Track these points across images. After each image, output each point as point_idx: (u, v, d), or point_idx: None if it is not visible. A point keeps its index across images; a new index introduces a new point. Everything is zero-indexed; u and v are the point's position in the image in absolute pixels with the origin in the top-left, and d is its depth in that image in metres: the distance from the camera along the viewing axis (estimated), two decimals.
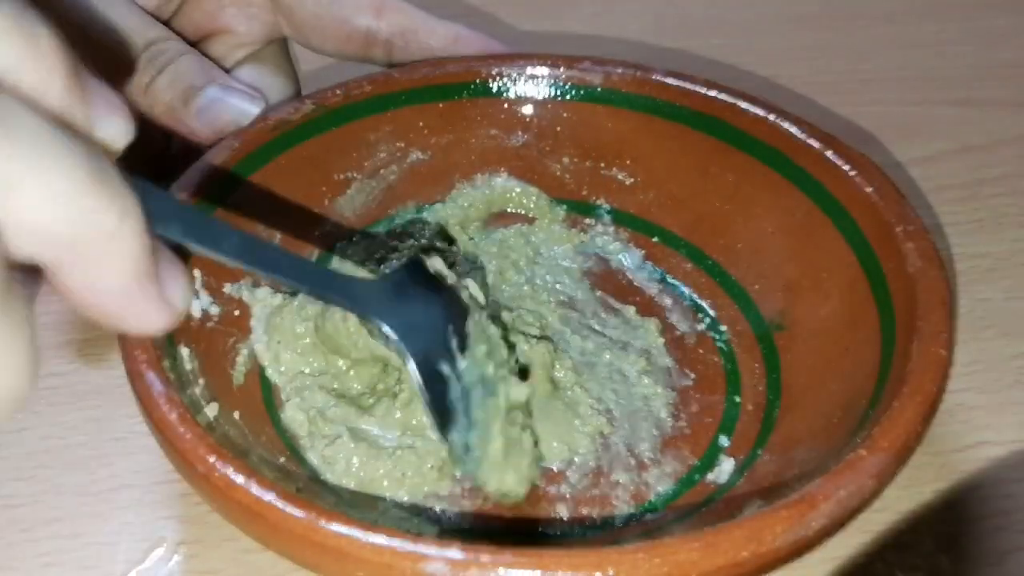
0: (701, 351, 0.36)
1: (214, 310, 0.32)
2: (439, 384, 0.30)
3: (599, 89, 0.39)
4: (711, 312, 0.37)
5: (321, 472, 0.31)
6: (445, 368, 0.30)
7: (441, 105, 0.39)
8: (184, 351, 0.30)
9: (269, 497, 0.23)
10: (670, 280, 0.39)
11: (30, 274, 0.19)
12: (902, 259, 0.31)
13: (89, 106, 0.20)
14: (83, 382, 0.36)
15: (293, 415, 0.32)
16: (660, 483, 0.32)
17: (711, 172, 0.38)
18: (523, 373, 0.33)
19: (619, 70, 0.39)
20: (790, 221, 0.36)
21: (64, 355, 0.37)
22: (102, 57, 0.35)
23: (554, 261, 0.40)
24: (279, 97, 0.40)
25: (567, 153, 0.41)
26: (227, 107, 0.36)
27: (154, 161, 0.39)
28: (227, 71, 0.39)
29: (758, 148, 0.36)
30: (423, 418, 0.31)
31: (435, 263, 0.33)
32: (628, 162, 0.40)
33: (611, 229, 0.40)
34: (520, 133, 0.40)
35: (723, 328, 0.37)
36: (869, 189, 0.33)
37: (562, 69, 0.40)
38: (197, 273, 0.32)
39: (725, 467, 0.32)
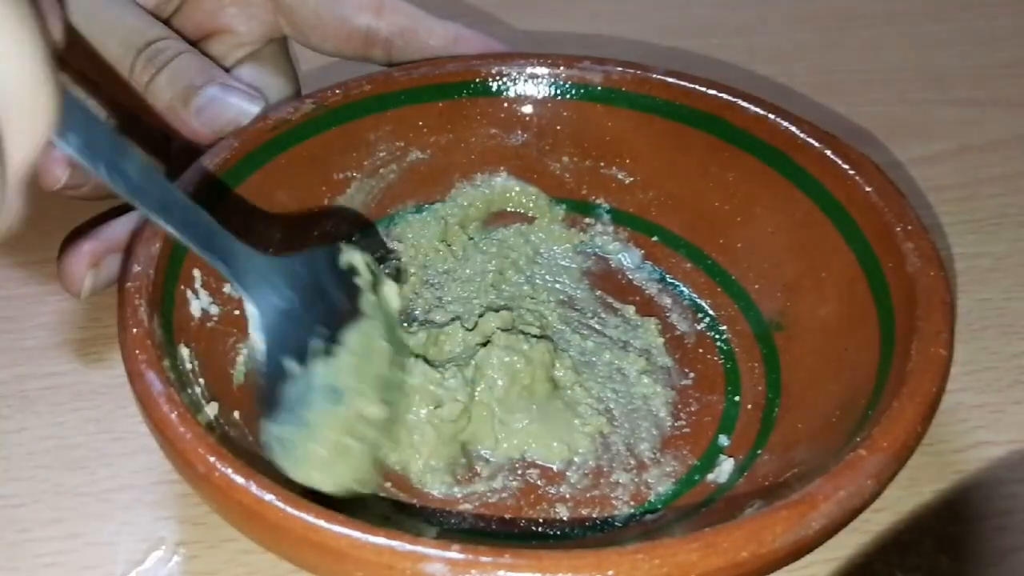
0: (701, 351, 0.36)
1: (214, 310, 0.32)
2: (279, 376, 0.29)
3: (599, 88, 0.39)
4: (711, 312, 0.37)
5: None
6: (291, 364, 0.29)
7: (441, 104, 0.39)
8: (184, 351, 0.30)
9: (269, 497, 0.23)
10: (670, 280, 0.39)
11: None
12: (902, 259, 0.31)
13: None
14: (83, 382, 0.36)
15: None
16: (660, 483, 0.32)
17: (711, 171, 0.38)
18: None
19: (619, 69, 0.39)
20: (790, 221, 0.36)
21: (64, 355, 0.37)
22: (102, 56, 0.35)
23: (554, 261, 0.40)
24: (279, 97, 0.40)
25: (567, 152, 0.41)
26: (227, 106, 0.36)
27: (154, 161, 0.39)
28: (227, 70, 0.39)
29: (758, 147, 0.36)
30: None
31: (354, 257, 0.32)
32: (628, 161, 0.40)
33: (611, 228, 0.40)
34: (520, 132, 0.40)
35: (723, 328, 0.37)
36: (869, 189, 0.33)
37: (562, 68, 0.40)
38: (197, 273, 0.32)
39: (725, 467, 0.32)
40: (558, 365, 0.34)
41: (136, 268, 0.29)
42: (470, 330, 0.35)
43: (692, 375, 0.35)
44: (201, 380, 0.30)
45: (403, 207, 0.40)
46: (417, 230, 0.40)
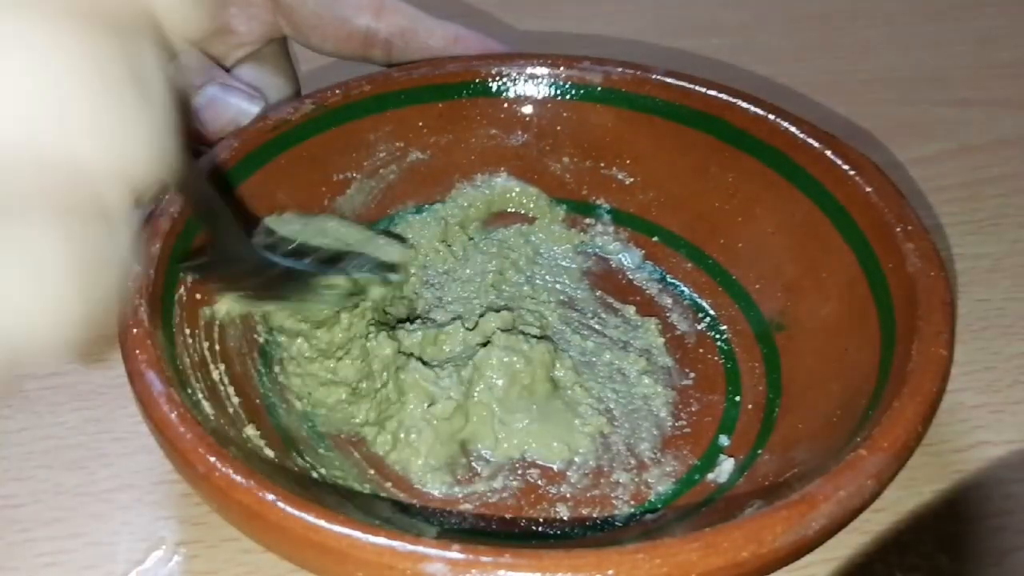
0: (701, 351, 0.36)
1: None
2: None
3: (599, 89, 0.39)
4: (711, 312, 0.37)
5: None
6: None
7: (441, 105, 0.39)
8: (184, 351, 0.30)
9: (269, 497, 0.23)
10: (670, 280, 0.39)
11: None
12: (902, 259, 0.31)
13: None
14: (83, 382, 0.36)
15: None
16: (660, 483, 0.32)
17: (711, 172, 0.38)
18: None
19: (619, 70, 0.39)
20: (790, 221, 0.36)
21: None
22: None
23: (554, 261, 0.40)
24: (279, 97, 0.40)
25: (567, 153, 0.41)
26: (227, 106, 0.36)
27: None
28: (227, 70, 0.39)
29: (758, 148, 0.36)
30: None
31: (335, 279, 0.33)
32: (628, 162, 0.40)
33: (611, 229, 0.40)
34: (520, 133, 0.40)
35: (723, 328, 0.37)
36: (869, 189, 0.33)
37: (562, 69, 0.40)
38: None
39: (725, 467, 0.32)
40: (558, 365, 0.34)
41: (136, 268, 0.29)
42: (470, 330, 0.35)
43: (692, 375, 0.35)
44: (201, 380, 0.30)
45: (403, 207, 0.40)
46: (417, 230, 0.40)
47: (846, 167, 0.34)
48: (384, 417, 0.33)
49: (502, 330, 0.34)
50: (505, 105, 0.40)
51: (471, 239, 0.40)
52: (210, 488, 0.24)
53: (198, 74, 0.36)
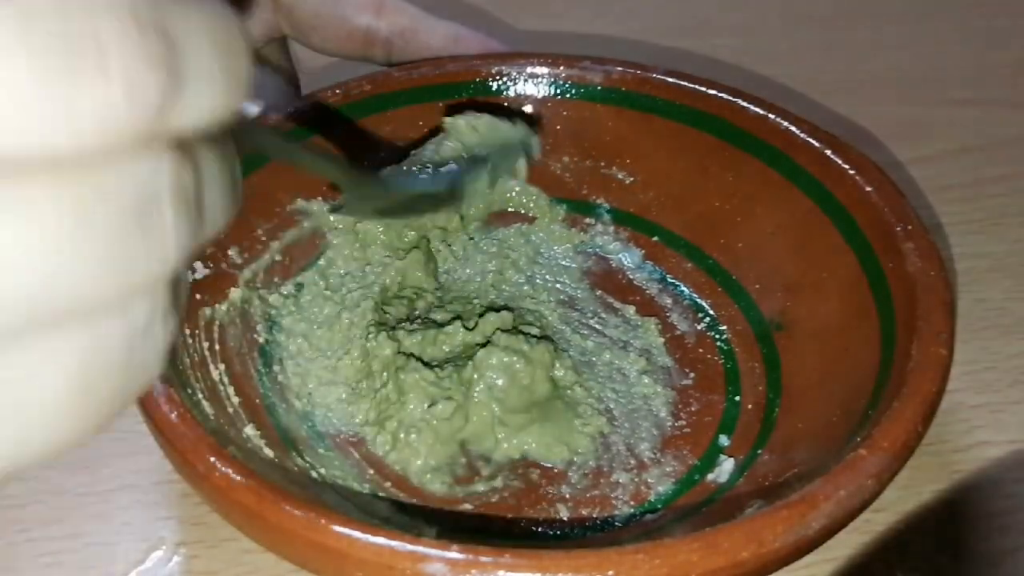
0: (701, 350, 0.36)
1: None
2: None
3: (599, 88, 0.39)
4: (711, 311, 0.37)
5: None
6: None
7: (441, 104, 0.39)
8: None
9: (269, 497, 0.23)
10: (670, 279, 0.39)
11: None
12: (902, 259, 0.31)
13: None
14: None
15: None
16: (660, 483, 0.32)
17: (711, 171, 0.38)
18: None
19: (619, 69, 0.39)
20: (790, 221, 0.36)
21: None
22: None
23: (554, 260, 0.40)
24: (279, 96, 0.40)
25: (567, 152, 0.41)
26: None
27: None
28: None
29: (758, 147, 0.36)
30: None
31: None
32: (628, 161, 0.40)
33: (611, 228, 0.40)
34: None
35: (723, 328, 0.37)
36: (869, 189, 0.33)
37: (562, 68, 0.40)
38: (199, 265, 0.32)
39: (725, 467, 0.32)
40: (558, 365, 0.34)
41: None
42: (470, 330, 0.35)
43: (692, 375, 0.35)
44: (201, 380, 0.30)
45: None
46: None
47: (846, 167, 0.34)
48: (384, 417, 0.33)
49: (502, 330, 0.34)
50: (505, 104, 0.40)
51: (471, 239, 0.40)
52: (210, 488, 0.24)
53: None
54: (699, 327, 0.37)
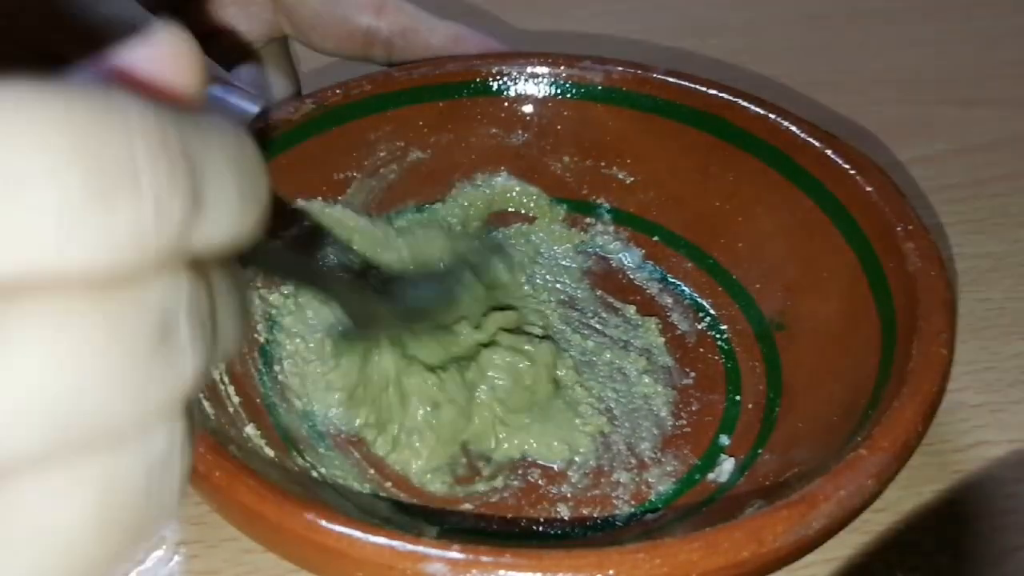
0: (701, 350, 0.36)
1: None
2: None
3: (599, 88, 0.39)
4: (711, 311, 0.37)
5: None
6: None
7: (441, 104, 0.39)
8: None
9: (269, 497, 0.23)
10: (670, 279, 0.39)
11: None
12: (903, 258, 0.31)
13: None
14: None
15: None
16: (661, 482, 0.32)
17: (711, 171, 0.38)
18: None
19: (619, 69, 0.39)
20: (790, 220, 0.36)
21: None
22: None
23: (554, 260, 0.40)
24: (280, 96, 0.40)
25: (567, 152, 0.41)
26: (227, 106, 0.36)
27: None
28: (227, 70, 0.39)
29: (758, 147, 0.36)
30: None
31: None
32: (628, 161, 0.40)
33: (611, 228, 0.40)
34: (520, 132, 0.40)
35: (723, 327, 0.37)
36: (869, 189, 0.33)
37: (562, 68, 0.40)
38: None
39: (726, 466, 0.32)
40: (560, 365, 0.34)
41: None
42: (476, 327, 0.34)
43: (693, 375, 0.35)
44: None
45: (403, 207, 0.40)
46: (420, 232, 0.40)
47: (847, 167, 0.34)
48: (385, 420, 0.33)
49: (505, 330, 0.34)
50: (505, 104, 0.40)
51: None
52: (210, 488, 0.24)
53: None
54: (699, 327, 0.37)
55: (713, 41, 0.55)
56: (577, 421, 0.33)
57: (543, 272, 0.39)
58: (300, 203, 0.36)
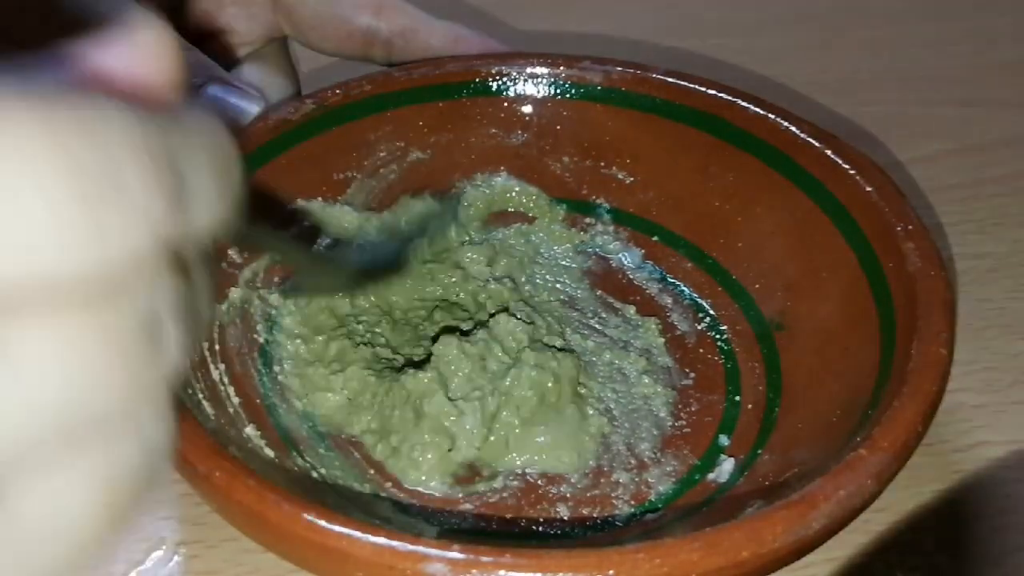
0: (701, 350, 0.36)
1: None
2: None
3: (599, 88, 0.39)
4: (711, 311, 0.37)
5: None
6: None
7: (441, 104, 0.39)
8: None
9: (269, 497, 0.23)
10: (670, 279, 0.39)
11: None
12: (902, 259, 0.31)
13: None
14: None
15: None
16: (660, 483, 0.32)
17: (711, 171, 0.38)
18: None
19: (619, 69, 0.39)
20: (790, 220, 0.36)
21: None
22: None
23: (554, 260, 0.40)
24: (279, 96, 0.40)
25: (567, 152, 0.41)
26: (227, 106, 0.36)
27: None
28: (227, 70, 0.39)
29: (758, 147, 0.36)
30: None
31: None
32: (628, 161, 0.40)
33: (611, 228, 0.40)
34: (520, 132, 0.40)
35: (723, 327, 0.37)
36: (869, 189, 0.33)
37: (562, 68, 0.40)
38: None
39: (725, 467, 0.32)
40: (583, 378, 0.34)
41: None
42: (487, 322, 0.34)
43: (692, 375, 0.35)
44: (202, 380, 0.29)
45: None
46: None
47: (846, 167, 0.34)
48: (388, 430, 0.32)
49: (529, 348, 0.33)
50: (505, 104, 0.40)
51: (471, 240, 0.40)
52: (210, 488, 0.24)
53: (198, 73, 0.36)
54: (699, 327, 0.37)
55: (713, 41, 0.55)
56: (583, 425, 0.33)
57: (543, 272, 0.39)
58: (300, 203, 0.36)
